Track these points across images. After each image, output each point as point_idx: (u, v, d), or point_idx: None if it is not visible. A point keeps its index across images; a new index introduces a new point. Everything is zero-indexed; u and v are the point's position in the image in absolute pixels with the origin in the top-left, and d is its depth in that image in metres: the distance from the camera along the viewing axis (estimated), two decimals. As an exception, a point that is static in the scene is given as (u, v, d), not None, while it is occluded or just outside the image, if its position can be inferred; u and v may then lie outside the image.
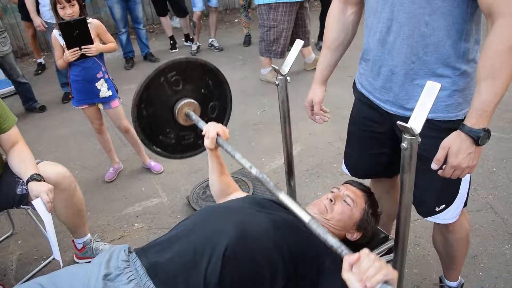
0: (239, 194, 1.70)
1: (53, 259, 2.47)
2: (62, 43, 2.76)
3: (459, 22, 1.30)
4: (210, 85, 1.65)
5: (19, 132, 2.11)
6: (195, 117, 1.59)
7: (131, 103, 1.53)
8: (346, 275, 0.95)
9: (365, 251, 0.96)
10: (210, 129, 1.50)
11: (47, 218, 1.79)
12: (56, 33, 2.82)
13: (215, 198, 1.74)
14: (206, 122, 1.57)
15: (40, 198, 1.79)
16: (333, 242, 1.03)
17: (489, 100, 1.21)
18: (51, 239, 1.81)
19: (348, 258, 0.97)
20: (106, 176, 3.27)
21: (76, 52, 2.73)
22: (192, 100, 1.60)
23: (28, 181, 1.87)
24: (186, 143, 1.73)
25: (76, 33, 2.67)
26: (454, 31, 1.31)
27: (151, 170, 3.32)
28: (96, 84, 2.89)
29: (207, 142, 1.52)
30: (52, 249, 1.83)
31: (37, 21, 4.51)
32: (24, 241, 2.68)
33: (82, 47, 2.73)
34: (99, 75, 2.90)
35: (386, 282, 0.89)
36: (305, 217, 1.10)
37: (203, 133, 1.53)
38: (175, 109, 1.59)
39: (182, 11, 6.09)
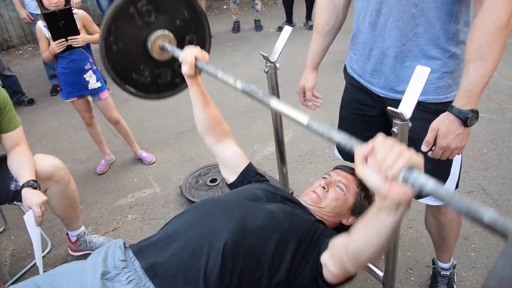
0: (236, 148, 1.65)
1: (48, 253, 2.47)
2: (47, 34, 2.72)
3: (448, 3, 1.30)
4: (185, 16, 1.53)
5: (23, 134, 2.09)
6: (170, 47, 1.48)
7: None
8: (360, 169, 0.85)
9: (379, 137, 0.84)
10: (187, 53, 1.41)
11: (34, 233, 1.75)
12: (40, 25, 2.77)
13: (202, 135, 1.64)
14: None
15: (32, 210, 1.76)
16: (340, 137, 0.92)
17: (477, 81, 1.22)
18: (36, 252, 1.77)
19: (360, 149, 0.85)
20: (98, 168, 3.25)
21: (62, 43, 2.68)
22: (167, 32, 1.49)
23: (23, 186, 1.84)
24: (163, 82, 1.62)
25: (61, 24, 2.62)
26: (443, 13, 1.32)
27: (143, 161, 3.30)
28: (85, 76, 2.86)
29: (185, 68, 1.42)
30: (37, 262, 1.78)
31: (22, 13, 4.44)
32: (17, 236, 2.66)
33: (68, 38, 2.68)
34: (87, 66, 2.87)
35: (410, 167, 0.78)
36: (303, 119, 1.02)
37: (180, 59, 1.43)
38: (148, 42, 1.48)
39: None
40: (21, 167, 1.94)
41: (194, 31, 1.58)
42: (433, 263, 1.99)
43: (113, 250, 1.32)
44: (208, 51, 1.64)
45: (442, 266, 1.94)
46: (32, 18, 4.41)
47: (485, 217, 0.64)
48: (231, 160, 1.63)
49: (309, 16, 5.83)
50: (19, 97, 4.55)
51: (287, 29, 1.64)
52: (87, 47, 2.87)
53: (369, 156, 0.83)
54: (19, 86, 4.56)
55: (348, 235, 1.09)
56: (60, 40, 2.68)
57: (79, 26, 2.73)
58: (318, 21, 1.70)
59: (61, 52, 2.73)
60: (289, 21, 5.98)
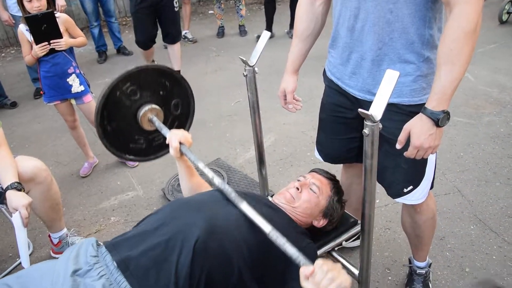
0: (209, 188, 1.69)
1: (30, 255, 2.46)
2: (30, 38, 2.70)
3: (422, 10, 1.37)
4: (167, 86, 1.65)
5: (4, 137, 2.06)
6: (158, 124, 1.60)
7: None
8: (303, 284, 1.05)
9: (318, 263, 1.04)
10: (172, 139, 1.51)
11: (21, 234, 1.75)
12: (22, 28, 2.76)
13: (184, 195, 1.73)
14: (173, 120, 1.58)
15: (19, 212, 1.76)
16: (292, 252, 1.10)
17: (448, 84, 1.27)
18: (23, 254, 1.76)
19: (303, 270, 1.05)
20: (81, 171, 3.25)
21: (45, 47, 2.67)
22: (153, 105, 1.61)
23: (7, 188, 1.83)
24: (157, 144, 1.74)
25: (44, 27, 2.61)
26: (417, 19, 1.38)
27: (126, 164, 3.32)
28: (68, 80, 2.86)
29: (171, 152, 1.53)
30: (24, 264, 1.75)
31: (4, 15, 4.40)
32: (-2, 238, 2.66)
33: (51, 41, 2.68)
34: (70, 70, 2.87)
35: None
36: (266, 228, 1.18)
37: (167, 142, 1.54)
38: (138, 118, 1.60)
39: None
40: (3, 169, 1.92)
41: (177, 95, 1.70)
42: (410, 262, 2.05)
43: (85, 248, 1.33)
44: (193, 109, 1.78)
45: (418, 265, 1.99)
46: (14, 21, 4.38)
47: None
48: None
49: (292, 25, 5.85)
50: (1, 100, 4.51)
51: (266, 34, 1.68)
52: (70, 50, 2.87)
53: (310, 277, 1.03)
54: (1, 89, 4.52)
55: None
56: (43, 44, 2.66)
57: (62, 30, 2.73)
58: (298, 26, 1.74)
59: (44, 55, 2.72)
60: (269, 29, 6.03)
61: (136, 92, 1.56)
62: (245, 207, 1.25)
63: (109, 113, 1.53)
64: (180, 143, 1.51)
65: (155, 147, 1.74)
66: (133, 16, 4.19)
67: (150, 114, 1.60)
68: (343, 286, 0.99)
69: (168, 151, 1.57)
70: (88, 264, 1.27)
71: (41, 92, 2.99)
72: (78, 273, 1.24)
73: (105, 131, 1.55)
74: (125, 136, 1.63)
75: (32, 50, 2.73)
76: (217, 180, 1.37)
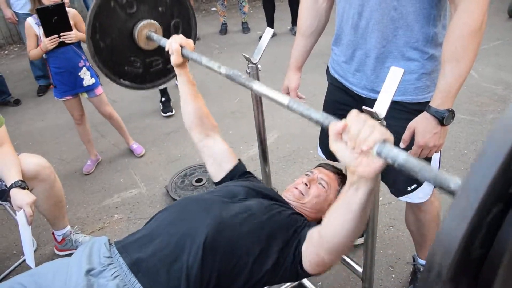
0: (221, 142, 1.63)
1: (34, 252, 2.46)
2: (38, 31, 2.73)
3: (426, 8, 1.35)
4: (167, 2, 1.55)
5: (7, 134, 2.07)
6: (156, 36, 1.50)
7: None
8: (334, 145, 0.87)
9: (353, 112, 0.86)
10: (173, 43, 1.43)
11: (26, 232, 1.77)
12: (31, 21, 2.76)
13: (190, 130, 1.62)
14: None
15: (23, 210, 1.77)
16: (318, 116, 0.94)
17: (453, 82, 1.26)
18: (28, 252, 1.78)
19: (335, 125, 0.87)
20: (84, 169, 3.26)
21: (55, 39, 2.69)
22: (151, 21, 1.51)
23: (11, 186, 1.84)
24: (155, 70, 1.65)
25: (54, 20, 2.61)
26: (421, 16, 1.37)
27: (132, 153, 3.37)
28: (79, 74, 2.89)
29: (173, 58, 1.45)
30: (28, 262, 1.78)
31: (7, 13, 4.40)
32: (2, 236, 2.66)
33: (61, 34, 2.68)
34: (81, 64, 2.90)
35: (384, 141, 0.80)
36: (283, 100, 1.04)
37: (166, 49, 1.45)
38: (134, 34, 1.50)
39: None
40: (7, 167, 1.93)
41: (178, 15, 1.60)
42: (413, 260, 2.04)
43: (98, 247, 1.33)
44: (195, 32, 1.67)
45: (422, 263, 1.98)
46: (17, 19, 4.38)
47: (451, 185, 0.68)
48: (219, 156, 1.61)
49: (294, 22, 5.84)
50: (5, 98, 4.52)
51: (269, 31, 1.67)
52: (78, 45, 2.90)
53: (343, 132, 0.85)
54: (5, 87, 4.53)
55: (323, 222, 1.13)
56: (53, 36, 2.68)
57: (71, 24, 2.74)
58: (301, 23, 1.74)
59: (53, 49, 2.73)
60: (271, 28, 5.98)
61: (132, 4, 1.46)
62: (257, 86, 1.13)
63: (102, 25, 1.43)
64: (182, 47, 1.43)
65: (152, 73, 1.65)
66: None
67: (148, 30, 1.51)
68: (388, 135, 0.80)
69: (166, 80, 1.49)
70: (102, 264, 1.26)
71: (51, 86, 2.99)
72: (92, 273, 1.24)
73: (97, 47, 1.46)
74: (119, 56, 1.53)
75: (41, 43, 2.74)
76: (224, 68, 1.27)
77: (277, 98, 1.07)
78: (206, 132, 1.61)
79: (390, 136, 0.81)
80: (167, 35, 1.55)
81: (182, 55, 1.43)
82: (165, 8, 1.55)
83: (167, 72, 1.69)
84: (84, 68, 2.91)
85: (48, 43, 2.68)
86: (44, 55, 2.83)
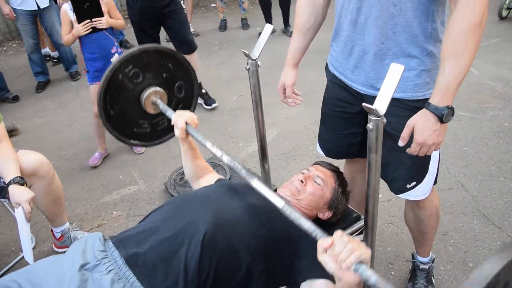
0: (213, 175, 1.70)
1: (32, 249, 2.45)
2: (73, 17, 2.78)
3: (425, 3, 1.34)
4: (170, 68, 1.63)
5: (5, 131, 2.06)
6: (162, 106, 1.58)
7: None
8: (321, 257, 1.01)
9: (337, 234, 1.00)
10: (178, 120, 1.51)
11: (24, 228, 1.76)
12: (67, 8, 2.84)
13: (190, 182, 1.74)
14: (176, 103, 1.54)
15: (22, 207, 1.76)
16: (308, 226, 1.06)
17: (453, 78, 1.25)
18: (26, 249, 1.77)
19: (322, 242, 1.01)
20: (90, 161, 3.24)
21: (88, 24, 2.74)
22: (156, 88, 1.59)
23: (10, 183, 1.83)
24: (162, 128, 1.72)
25: (87, 6, 2.68)
26: (420, 12, 1.35)
27: (131, 150, 3.37)
28: (112, 60, 2.91)
29: (177, 133, 1.53)
30: (27, 259, 1.77)
31: (5, 9, 4.39)
32: (1, 233, 2.65)
33: (93, 19, 2.74)
34: (113, 50, 2.94)
35: (360, 262, 0.94)
36: (278, 203, 1.12)
37: (172, 123, 1.54)
38: (141, 101, 1.58)
39: None
40: (5, 163, 1.92)
41: (181, 78, 1.68)
42: (413, 257, 2.04)
43: (92, 242, 1.32)
44: (197, 92, 1.77)
45: (421, 260, 1.98)
46: (15, 15, 4.36)
47: None
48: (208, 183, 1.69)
49: (286, 22, 5.75)
50: (3, 94, 4.50)
51: (268, 27, 1.66)
52: (110, 30, 2.93)
53: (328, 249, 1.00)
54: (3, 83, 4.51)
55: None
56: (86, 22, 2.74)
57: (104, 11, 2.78)
58: (298, 19, 1.72)
59: (86, 34, 2.78)
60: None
61: (138, 74, 1.54)
62: (256, 183, 1.21)
63: (112, 97, 1.51)
64: (186, 124, 1.51)
65: (159, 131, 1.73)
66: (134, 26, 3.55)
67: (153, 97, 1.58)
68: (363, 257, 0.95)
69: (173, 135, 1.56)
70: (96, 258, 1.26)
71: (84, 71, 3.02)
72: (86, 267, 1.24)
73: (108, 116, 1.54)
74: (129, 120, 1.61)
75: (74, 28, 2.80)
76: (226, 158, 1.33)
77: (273, 200, 1.14)
78: (199, 178, 1.72)
79: (367, 257, 0.96)
80: (172, 96, 1.68)
81: (187, 132, 1.52)
82: (169, 73, 1.63)
83: (173, 128, 1.79)
84: (116, 54, 2.93)
85: (81, 28, 2.75)
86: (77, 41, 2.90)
